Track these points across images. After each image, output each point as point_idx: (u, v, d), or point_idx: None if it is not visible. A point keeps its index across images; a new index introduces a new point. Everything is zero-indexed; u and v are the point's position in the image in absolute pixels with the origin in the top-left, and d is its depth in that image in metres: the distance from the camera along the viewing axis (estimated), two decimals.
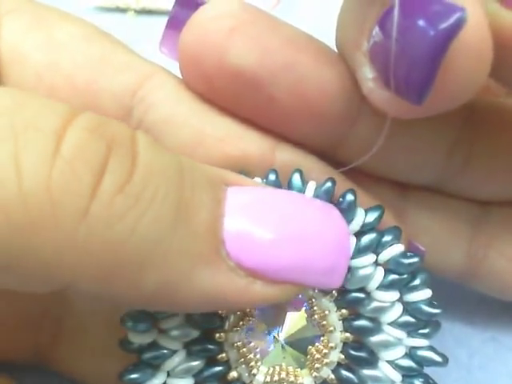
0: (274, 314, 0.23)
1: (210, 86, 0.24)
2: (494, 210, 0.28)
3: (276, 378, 0.22)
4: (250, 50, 0.22)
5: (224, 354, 0.22)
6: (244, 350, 0.22)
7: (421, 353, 0.23)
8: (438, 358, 0.23)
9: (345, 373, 0.23)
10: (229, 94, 0.23)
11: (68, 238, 0.17)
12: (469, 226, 0.28)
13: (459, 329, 0.31)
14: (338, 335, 0.23)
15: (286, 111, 0.24)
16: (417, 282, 0.23)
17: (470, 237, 0.28)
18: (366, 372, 0.23)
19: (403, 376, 0.23)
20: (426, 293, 0.23)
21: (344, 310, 0.23)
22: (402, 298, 0.23)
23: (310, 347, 0.22)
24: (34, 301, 0.26)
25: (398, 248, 0.23)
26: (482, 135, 0.26)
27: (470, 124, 0.26)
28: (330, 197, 0.22)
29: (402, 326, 0.23)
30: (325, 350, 0.22)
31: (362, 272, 0.22)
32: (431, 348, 0.23)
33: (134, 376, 0.22)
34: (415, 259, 0.23)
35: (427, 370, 0.23)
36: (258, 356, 0.22)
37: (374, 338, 0.23)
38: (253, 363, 0.22)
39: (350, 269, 0.22)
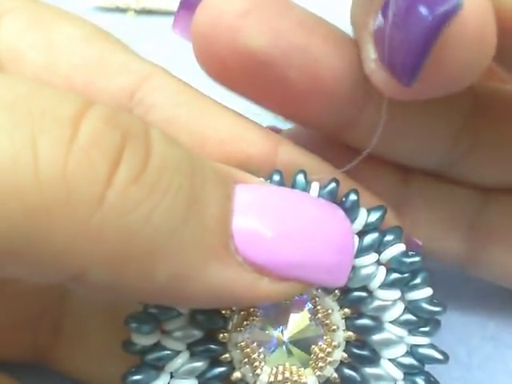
0: (277, 314, 0.23)
1: (223, 67, 0.24)
2: (494, 197, 0.28)
3: (280, 377, 0.22)
4: (262, 32, 0.23)
5: (227, 355, 0.23)
6: (248, 350, 0.22)
7: (422, 350, 0.23)
8: (439, 356, 0.23)
9: (347, 371, 0.23)
10: (242, 74, 0.24)
11: (82, 226, 0.17)
12: (470, 212, 0.28)
13: (459, 327, 0.32)
14: (341, 334, 0.23)
15: (297, 91, 0.24)
16: (418, 280, 0.23)
17: (471, 224, 0.28)
18: (369, 370, 0.23)
19: (405, 374, 0.23)
20: (427, 291, 0.23)
21: (347, 309, 0.23)
22: (403, 296, 0.23)
23: (314, 346, 0.23)
24: (33, 301, 0.27)
25: (400, 247, 0.23)
26: (487, 122, 0.27)
27: (476, 111, 0.27)
28: (334, 197, 0.23)
29: (404, 324, 0.23)
30: (328, 349, 0.23)
31: (364, 271, 0.23)
32: (432, 346, 0.23)
33: (137, 377, 0.22)
34: (416, 258, 0.23)
35: (427, 369, 0.24)
36: (261, 356, 0.23)
37: (376, 337, 0.23)
38: (256, 363, 0.22)
39: (352, 268, 0.22)
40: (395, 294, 0.23)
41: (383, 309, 0.23)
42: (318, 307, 0.23)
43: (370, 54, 0.22)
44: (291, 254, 0.20)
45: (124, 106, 0.24)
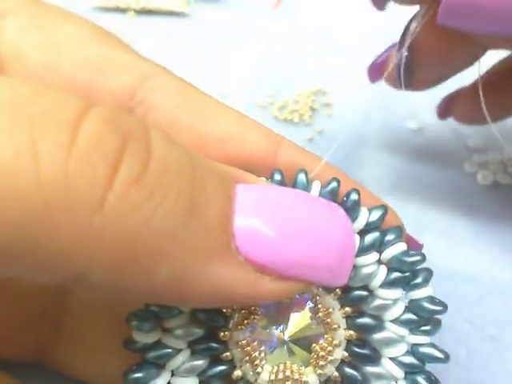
0: (278, 313, 0.23)
1: None
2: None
3: (281, 376, 0.22)
4: None
5: (228, 353, 0.23)
6: (248, 348, 0.22)
7: (423, 349, 0.23)
8: (439, 355, 0.23)
9: (348, 370, 0.23)
10: None
11: (83, 227, 0.17)
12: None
13: (459, 328, 0.32)
14: (342, 333, 0.23)
15: None
16: (419, 279, 0.23)
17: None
18: (369, 369, 0.23)
19: (406, 373, 0.23)
20: (428, 290, 0.23)
21: (347, 308, 0.23)
22: (404, 295, 0.23)
23: (314, 345, 0.23)
24: (33, 301, 0.27)
25: (401, 246, 0.23)
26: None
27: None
28: (335, 196, 0.23)
29: (404, 323, 0.23)
30: (329, 348, 0.23)
31: (365, 270, 0.23)
32: (433, 345, 0.23)
33: (138, 375, 0.22)
34: (417, 257, 0.23)
35: (428, 368, 0.24)
36: (262, 354, 0.23)
37: (377, 336, 0.23)
38: (257, 361, 0.22)
39: (353, 267, 0.23)
40: (396, 293, 0.23)
41: (384, 308, 0.23)
42: (319, 306, 0.23)
43: None
44: (292, 254, 0.20)
45: (125, 105, 0.25)
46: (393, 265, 0.23)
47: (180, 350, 0.22)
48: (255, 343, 0.23)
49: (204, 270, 0.19)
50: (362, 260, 0.23)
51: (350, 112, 0.38)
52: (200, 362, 0.23)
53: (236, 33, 0.42)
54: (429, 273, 0.23)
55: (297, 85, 0.40)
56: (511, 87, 0.33)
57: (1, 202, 0.16)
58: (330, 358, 0.23)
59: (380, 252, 0.23)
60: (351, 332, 0.23)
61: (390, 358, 0.23)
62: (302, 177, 0.23)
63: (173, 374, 0.23)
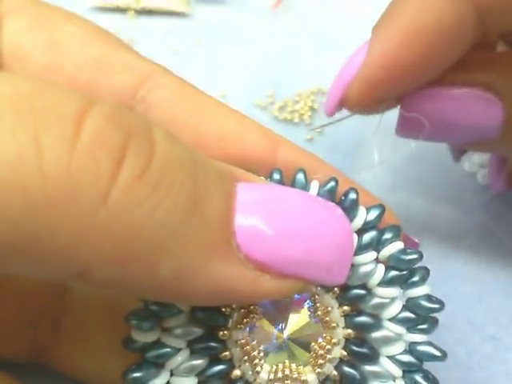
0: (277, 312, 0.23)
1: None
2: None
3: (280, 375, 0.23)
4: None
5: (227, 352, 0.23)
6: (247, 347, 0.23)
7: (420, 348, 0.23)
8: (437, 353, 0.23)
9: (347, 369, 0.23)
10: None
11: (87, 222, 0.17)
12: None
13: (458, 328, 0.32)
14: (341, 331, 0.23)
15: None
16: (416, 278, 0.23)
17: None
18: (368, 368, 0.23)
19: (403, 371, 0.23)
20: (425, 289, 0.23)
21: (346, 307, 0.23)
22: (402, 294, 0.23)
23: (313, 344, 0.23)
24: (33, 300, 0.27)
25: (398, 245, 0.23)
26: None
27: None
28: (333, 196, 0.23)
29: (402, 321, 0.23)
30: (328, 346, 0.23)
31: (363, 269, 0.23)
32: (430, 343, 0.23)
33: (137, 375, 0.22)
34: (415, 256, 0.23)
35: (427, 368, 0.24)
36: (261, 354, 0.23)
37: (375, 334, 0.23)
38: (256, 361, 0.23)
39: (351, 265, 0.23)
40: (394, 291, 0.23)
41: (382, 306, 0.23)
42: (318, 304, 0.23)
43: None
44: (292, 252, 0.20)
45: (126, 104, 0.25)
46: (390, 263, 0.23)
47: (179, 350, 0.23)
48: (254, 342, 0.23)
49: (205, 267, 0.19)
50: (359, 258, 0.23)
51: None
52: (199, 362, 0.23)
53: (236, 33, 0.42)
54: (426, 271, 0.23)
55: (297, 85, 0.40)
56: None
57: (4, 196, 0.16)
58: (328, 356, 0.23)
59: (378, 251, 0.23)
60: (349, 331, 0.23)
61: (388, 357, 0.23)
62: (300, 176, 0.23)
63: (172, 374, 0.23)
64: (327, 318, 0.23)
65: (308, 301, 0.23)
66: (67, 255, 0.17)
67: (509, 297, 0.33)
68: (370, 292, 0.23)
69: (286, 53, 0.42)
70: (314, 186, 0.23)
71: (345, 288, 0.23)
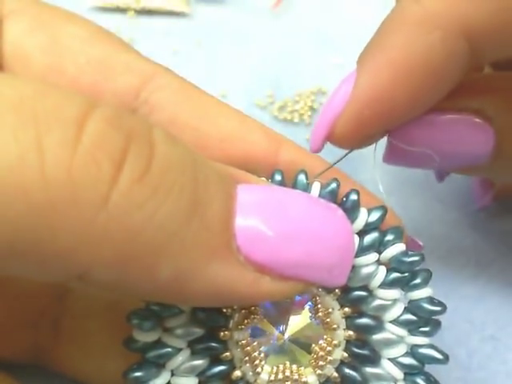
0: (278, 313, 0.23)
1: None
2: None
3: (280, 376, 0.23)
4: None
5: (228, 353, 0.23)
6: (248, 348, 0.23)
7: (422, 351, 0.23)
8: (439, 356, 0.23)
9: (348, 370, 0.23)
10: None
11: (87, 225, 0.17)
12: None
13: (458, 328, 0.32)
14: (342, 333, 0.23)
15: None
16: (418, 280, 0.23)
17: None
18: (369, 370, 0.23)
19: (405, 374, 0.23)
20: (427, 291, 0.23)
21: (347, 309, 0.23)
22: (404, 296, 0.23)
23: (314, 345, 0.23)
24: (33, 301, 0.27)
25: (400, 247, 0.23)
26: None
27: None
28: (334, 197, 0.23)
29: (404, 324, 0.23)
30: (328, 348, 0.23)
31: (364, 270, 0.23)
32: (432, 346, 0.23)
33: (138, 374, 0.22)
34: (416, 258, 0.23)
35: (427, 369, 0.24)
36: (262, 354, 0.23)
37: (377, 336, 0.23)
38: (257, 361, 0.23)
39: (352, 267, 0.23)
40: (395, 293, 0.23)
41: (383, 308, 0.23)
42: (319, 306, 0.23)
43: None
44: (292, 254, 0.20)
45: (129, 105, 0.25)
46: (392, 265, 0.23)
47: (180, 350, 0.23)
48: (255, 343, 0.23)
49: (205, 269, 0.19)
50: (361, 260, 0.23)
51: None
52: (200, 362, 0.23)
53: (236, 33, 0.42)
54: (428, 273, 0.23)
55: (297, 85, 0.40)
56: None
57: (5, 198, 0.16)
58: (329, 358, 0.23)
59: (379, 252, 0.23)
60: (350, 332, 0.23)
61: (390, 359, 0.23)
62: (301, 177, 0.23)
63: (173, 374, 0.23)
64: (328, 320, 0.23)
65: (309, 302, 0.23)
66: (68, 257, 0.17)
67: (508, 297, 0.33)
68: (371, 294, 0.23)
69: (286, 53, 0.42)
70: (316, 188, 0.23)
71: (346, 289, 0.23)
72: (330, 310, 0.23)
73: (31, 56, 0.25)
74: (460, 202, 0.36)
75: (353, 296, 0.23)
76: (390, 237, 0.23)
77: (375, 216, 0.23)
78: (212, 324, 0.23)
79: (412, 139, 0.26)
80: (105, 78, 0.25)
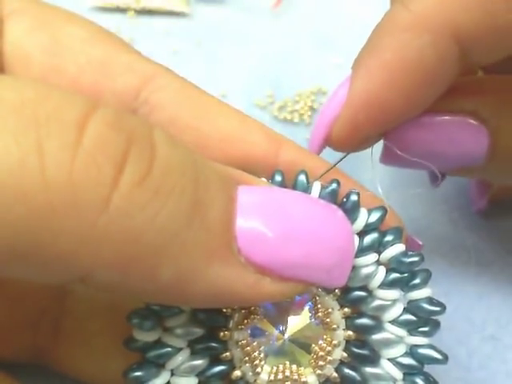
0: (278, 313, 0.23)
1: None
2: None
3: (280, 376, 0.23)
4: None
5: (228, 353, 0.23)
6: (248, 348, 0.23)
7: (421, 351, 0.23)
8: (438, 356, 0.23)
9: (347, 371, 0.23)
10: None
11: (88, 228, 0.17)
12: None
13: (458, 328, 0.32)
14: (341, 333, 0.23)
15: None
16: (417, 280, 0.23)
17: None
18: (368, 370, 0.23)
19: (404, 374, 0.23)
20: (427, 291, 0.23)
21: (347, 309, 0.23)
22: (403, 296, 0.24)
23: (314, 345, 0.23)
24: (33, 301, 0.27)
25: (400, 247, 0.23)
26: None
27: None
28: (335, 198, 0.23)
29: (403, 324, 0.23)
30: (328, 348, 0.23)
31: (364, 270, 0.23)
32: (431, 346, 0.23)
33: (138, 374, 0.23)
34: (416, 258, 0.23)
35: (427, 369, 0.24)
36: (261, 355, 0.23)
37: (376, 336, 0.23)
38: (257, 361, 0.23)
39: (352, 267, 0.23)
40: (395, 293, 0.23)
41: (383, 308, 0.23)
42: (319, 306, 0.23)
43: None
44: (293, 255, 0.20)
45: (129, 105, 0.25)
46: (392, 265, 0.23)
47: (180, 349, 0.23)
48: (255, 343, 0.23)
49: (206, 270, 0.19)
50: (361, 260, 0.23)
51: None
52: (200, 362, 0.23)
53: (236, 33, 0.42)
54: (427, 274, 0.23)
55: (297, 85, 0.40)
56: None
57: (6, 202, 0.16)
58: (329, 358, 0.23)
59: (379, 253, 0.23)
60: (350, 333, 0.23)
61: (389, 359, 0.23)
62: (302, 178, 0.23)
63: (172, 374, 0.23)
64: (328, 320, 0.23)
65: (309, 302, 0.23)
66: (69, 260, 0.17)
67: (508, 297, 0.33)
68: (370, 294, 0.23)
69: (286, 53, 0.42)
70: (316, 188, 0.23)
71: (346, 290, 0.23)
72: (330, 310, 0.23)
73: (32, 56, 0.25)
74: (460, 202, 0.36)
75: (352, 296, 0.23)
76: (389, 237, 0.23)
77: (375, 216, 0.23)
78: (212, 324, 0.23)
79: (407, 141, 0.26)
80: (105, 77, 0.25)
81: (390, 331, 0.23)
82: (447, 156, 0.26)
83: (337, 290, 0.23)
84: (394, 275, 0.23)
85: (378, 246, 0.23)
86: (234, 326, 0.23)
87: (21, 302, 0.27)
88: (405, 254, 0.23)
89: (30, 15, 0.25)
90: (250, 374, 0.23)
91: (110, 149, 0.18)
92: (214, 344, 0.23)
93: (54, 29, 0.25)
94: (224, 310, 0.23)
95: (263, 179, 0.23)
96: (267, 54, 0.42)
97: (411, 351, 0.23)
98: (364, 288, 0.23)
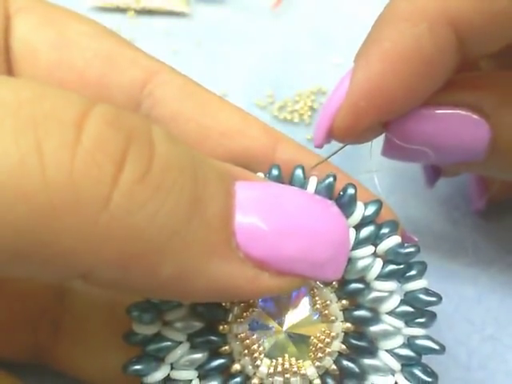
0: (276, 306, 0.24)
1: None
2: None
3: (279, 368, 0.23)
4: None
5: (227, 347, 0.23)
6: (247, 341, 0.23)
7: (419, 342, 0.24)
8: (435, 346, 0.24)
9: (346, 362, 0.23)
10: None
11: (89, 226, 0.17)
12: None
13: (458, 328, 0.32)
14: (340, 325, 0.24)
15: None
16: (413, 272, 0.24)
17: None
18: (367, 362, 0.24)
19: (402, 365, 0.24)
20: (423, 282, 0.24)
21: (344, 301, 0.24)
22: (400, 288, 0.24)
23: (312, 337, 0.23)
24: (33, 300, 0.27)
25: (396, 239, 0.24)
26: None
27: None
28: (331, 192, 0.24)
29: (400, 315, 0.24)
30: (327, 340, 0.23)
31: (361, 263, 0.24)
32: (428, 337, 0.24)
33: (137, 367, 0.23)
34: (412, 249, 0.24)
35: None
36: (261, 348, 0.23)
37: (374, 328, 0.24)
38: (256, 354, 0.23)
39: (349, 260, 0.23)
40: (392, 285, 0.24)
41: (380, 300, 0.24)
42: (317, 298, 0.23)
43: None
44: (290, 250, 0.21)
45: (135, 98, 0.26)
46: (388, 257, 0.24)
47: (179, 343, 0.23)
48: (254, 336, 0.23)
49: (206, 266, 0.19)
50: (358, 253, 0.23)
51: None
52: (199, 356, 0.23)
53: (236, 33, 0.43)
54: (423, 265, 0.24)
55: (296, 85, 0.41)
56: None
57: (7, 202, 0.17)
58: (327, 350, 0.23)
59: (375, 245, 0.24)
60: (348, 325, 0.24)
61: (387, 351, 0.24)
62: (298, 172, 0.24)
63: (172, 367, 0.23)
64: (326, 312, 0.23)
65: (307, 295, 0.24)
66: (71, 258, 0.18)
67: (508, 297, 0.33)
68: (368, 286, 0.24)
69: (286, 53, 0.42)
70: (313, 182, 0.24)
71: (343, 282, 0.24)
72: (328, 303, 0.23)
73: (39, 51, 0.25)
74: (460, 202, 0.36)
75: (350, 288, 0.24)
76: (385, 229, 0.24)
77: (371, 210, 0.24)
78: (211, 317, 0.23)
79: (408, 133, 0.26)
80: (112, 71, 0.26)
81: (388, 322, 0.24)
82: (448, 149, 0.27)
83: (334, 283, 0.24)
84: (391, 267, 0.24)
85: (375, 239, 0.24)
86: (233, 319, 0.23)
87: (21, 301, 0.27)
88: (401, 245, 0.24)
89: (37, 12, 0.26)
90: (250, 367, 0.23)
91: (109, 147, 0.18)
92: (213, 337, 0.23)
93: (61, 25, 0.26)
94: (223, 304, 0.23)
95: (260, 174, 0.24)
96: (267, 53, 0.42)
97: (409, 342, 0.24)
98: (361, 280, 0.24)
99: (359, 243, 0.23)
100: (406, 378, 0.24)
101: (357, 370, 0.23)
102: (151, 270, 0.19)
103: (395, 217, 0.26)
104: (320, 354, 0.23)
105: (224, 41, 0.42)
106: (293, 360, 0.23)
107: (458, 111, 0.26)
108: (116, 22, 0.42)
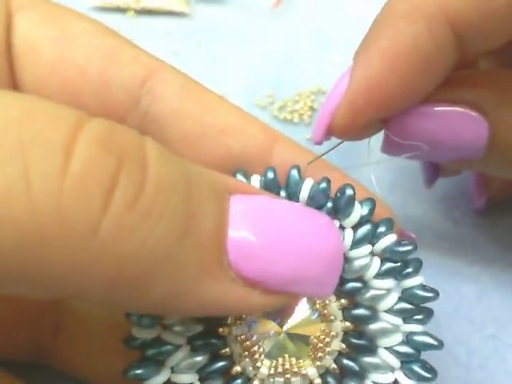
0: None
1: None
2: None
3: (280, 369, 0.23)
4: None
5: (227, 349, 0.23)
6: (247, 343, 0.23)
7: (417, 338, 0.24)
8: (434, 342, 0.24)
9: (346, 361, 0.24)
10: None
11: (78, 253, 0.17)
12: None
13: (458, 327, 0.32)
14: (339, 324, 0.24)
15: None
16: (410, 269, 0.24)
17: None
18: (367, 360, 0.24)
19: (402, 362, 0.24)
20: (419, 278, 0.24)
21: (343, 300, 0.24)
22: (397, 285, 0.24)
23: (312, 337, 0.24)
24: (33, 300, 0.27)
25: (392, 237, 0.24)
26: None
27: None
28: (326, 196, 0.24)
29: (398, 312, 0.24)
30: (326, 339, 0.24)
31: (359, 262, 0.24)
32: (426, 333, 0.24)
33: (138, 372, 0.23)
34: (409, 247, 0.24)
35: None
36: (261, 349, 0.23)
37: (373, 326, 0.24)
38: (256, 356, 0.23)
39: (347, 259, 0.24)
40: (389, 283, 0.24)
41: (378, 298, 0.24)
42: (316, 298, 0.24)
43: None
44: (281, 268, 0.20)
45: (135, 94, 0.26)
46: (386, 255, 0.24)
47: (179, 346, 0.23)
48: (254, 338, 0.23)
49: (197, 287, 0.19)
50: (355, 252, 0.24)
51: None
52: (199, 358, 0.23)
53: (236, 33, 0.43)
54: (419, 262, 0.24)
55: (296, 84, 0.41)
56: None
57: None
58: (327, 349, 0.23)
59: (372, 244, 0.24)
60: (348, 323, 0.24)
61: (386, 348, 0.24)
62: (294, 172, 0.24)
63: (173, 371, 0.23)
64: (325, 312, 0.24)
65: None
66: (58, 282, 0.17)
67: (509, 296, 0.33)
68: (366, 285, 0.24)
69: (286, 53, 0.42)
70: (308, 184, 0.24)
71: (342, 282, 0.24)
72: (327, 302, 0.24)
73: (41, 47, 0.26)
74: (460, 200, 0.36)
75: (348, 288, 0.24)
76: (382, 228, 0.24)
77: (366, 209, 0.24)
78: (210, 320, 0.23)
79: (407, 130, 0.27)
80: (113, 67, 0.26)
81: (386, 320, 0.24)
82: (447, 146, 0.27)
83: None
84: (388, 265, 0.24)
85: (372, 238, 0.24)
86: (232, 321, 0.23)
87: (21, 301, 0.27)
88: (398, 243, 0.24)
89: (39, 10, 0.26)
90: (250, 368, 0.23)
91: (99, 172, 0.17)
92: (213, 340, 0.23)
93: (62, 23, 0.26)
94: None
95: (257, 176, 0.24)
96: (267, 53, 0.42)
97: (407, 339, 0.24)
98: (359, 279, 0.24)
99: (356, 243, 0.24)
100: (405, 375, 0.24)
101: (357, 368, 0.24)
102: (141, 294, 0.19)
103: (390, 214, 0.26)
104: (320, 354, 0.23)
105: (224, 41, 0.43)
106: (293, 360, 0.23)
107: (457, 108, 0.26)
108: (116, 21, 0.42)
